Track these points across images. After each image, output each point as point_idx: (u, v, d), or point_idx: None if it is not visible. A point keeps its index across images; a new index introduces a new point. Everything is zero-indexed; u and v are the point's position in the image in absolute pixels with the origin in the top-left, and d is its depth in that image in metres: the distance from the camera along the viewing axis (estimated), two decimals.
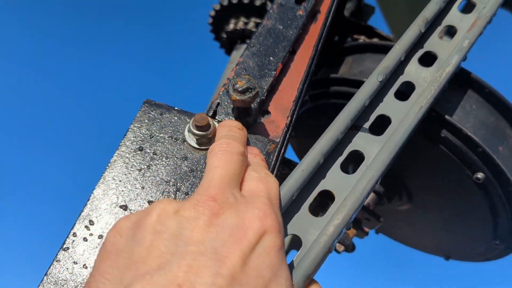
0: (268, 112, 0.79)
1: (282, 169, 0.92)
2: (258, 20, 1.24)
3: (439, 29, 0.83)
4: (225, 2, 1.20)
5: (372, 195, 1.00)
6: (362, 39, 1.08)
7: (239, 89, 0.70)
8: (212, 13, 1.24)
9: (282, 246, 0.47)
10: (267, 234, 0.46)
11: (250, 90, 0.70)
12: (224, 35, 1.24)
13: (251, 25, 1.19)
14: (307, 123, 1.05)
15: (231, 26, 1.21)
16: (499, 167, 0.77)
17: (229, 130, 0.65)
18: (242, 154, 0.57)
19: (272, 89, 0.81)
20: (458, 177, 0.83)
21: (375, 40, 1.07)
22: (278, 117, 0.79)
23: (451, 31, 0.84)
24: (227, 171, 0.53)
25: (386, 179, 0.99)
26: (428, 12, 0.79)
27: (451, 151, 0.80)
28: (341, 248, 0.95)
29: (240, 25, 1.19)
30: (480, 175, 0.79)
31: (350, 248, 0.95)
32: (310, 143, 0.65)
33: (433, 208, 0.99)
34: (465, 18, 0.83)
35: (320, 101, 0.96)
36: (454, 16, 0.84)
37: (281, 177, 0.66)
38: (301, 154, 1.25)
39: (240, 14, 1.19)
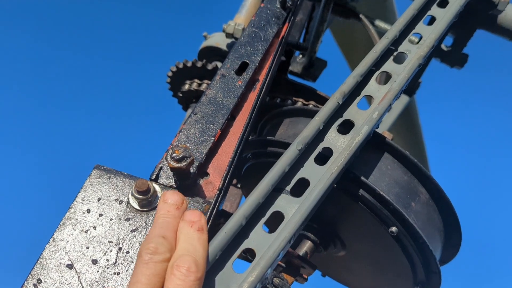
0: (207, 174, 0.90)
1: (219, 221, 1.01)
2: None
3: (358, 99, 0.94)
4: (181, 65, 1.32)
5: (309, 243, 1.10)
6: (300, 101, 1.19)
7: (176, 158, 0.80)
8: (169, 73, 1.35)
9: None
10: None
11: (185, 159, 0.80)
12: (180, 94, 1.35)
13: (203, 87, 1.31)
14: (252, 175, 1.15)
15: (186, 86, 1.32)
16: (408, 222, 0.88)
17: (166, 213, 0.71)
18: (167, 261, 0.64)
19: (211, 153, 0.91)
20: (378, 230, 0.93)
21: (311, 103, 1.19)
22: (216, 178, 0.88)
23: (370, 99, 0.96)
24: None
25: (322, 229, 1.09)
26: (346, 86, 0.92)
27: (368, 208, 0.90)
28: None
29: (194, 86, 1.31)
30: (394, 229, 0.90)
31: None
32: None
33: (364, 256, 1.09)
34: (381, 88, 0.96)
35: (260, 158, 1.07)
36: (372, 87, 0.96)
37: (218, 228, 0.76)
38: None
39: (194, 77, 1.31)
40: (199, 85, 1.31)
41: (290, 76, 1.62)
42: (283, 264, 1.07)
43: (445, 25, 1.07)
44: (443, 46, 1.85)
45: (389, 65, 1.00)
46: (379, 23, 1.95)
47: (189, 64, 1.31)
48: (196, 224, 0.70)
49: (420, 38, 1.07)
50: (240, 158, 0.94)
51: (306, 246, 1.10)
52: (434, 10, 1.12)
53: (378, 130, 0.98)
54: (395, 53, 1.03)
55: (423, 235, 0.90)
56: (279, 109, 1.13)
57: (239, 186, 1.38)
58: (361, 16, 1.54)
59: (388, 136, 1.18)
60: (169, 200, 0.74)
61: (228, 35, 1.31)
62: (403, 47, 1.05)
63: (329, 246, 1.11)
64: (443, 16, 1.10)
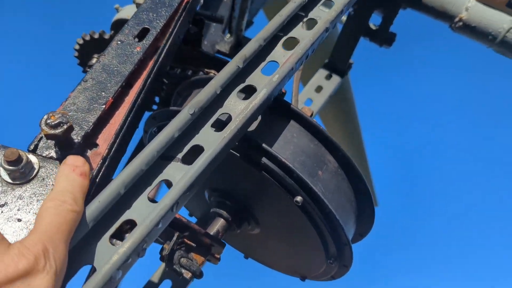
0: (96, 145, 0.82)
1: None
2: None
3: (263, 64, 0.89)
4: (87, 37, 1.23)
5: (221, 221, 1.04)
6: (212, 72, 1.14)
7: (51, 124, 0.72)
8: (76, 46, 1.26)
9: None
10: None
11: (62, 125, 0.72)
12: (88, 69, 1.26)
13: None
14: None
15: (94, 60, 1.24)
16: (313, 191, 0.84)
17: (67, 179, 0.66)
18: (75, 211, 0.61)
19: (101, 122, 0.84)
20: (284, 200, 0.89)
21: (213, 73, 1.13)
22: (104, 149, 0.81)
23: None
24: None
25: (234, 206, 1.04)
26: (247, 49, 0.86)
27: (272, 177, 0.86)
28: (188, 275, 0.98)
29: None
30: (298, 198, 0.85)
31: (197, 274, 0.98)
32: None
33: (277, 231, 1.05)
34: (287, 54, 0.91)
35: None
36: (278, 52, 0.91)
37: None
38: None
39: (103, 50, 1.22)
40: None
41: (218, 56, 1.56)
42: (193, 244, 1.01)
43: None
44: (371, 25, 1.85)
45: (297, 31, 0.96)
46: None
47: (96, 36, 1.22)
48: (79, 169, 0.67)
49: (331, 5, 1.03)
50: (132, 128, 0.87)
51: (218, 224, 1.04)
52: None
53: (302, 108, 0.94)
54: (304, 19, 0.99)
55: (330, 204, 0.86)
56: (188, 80, 1.06)
57: None
58: None
59: (308, 111, 1.14)
60: (68, 160, 0.69)
61: (139, 6, 1.23)
62: (314, 13, 1.00)
63: (242, 223, 1.06)
64: None
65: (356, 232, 1.08)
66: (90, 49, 1.25)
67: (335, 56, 1.98)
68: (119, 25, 1.35)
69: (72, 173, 0.67)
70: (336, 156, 0.91)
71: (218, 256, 1.04)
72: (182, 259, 0.97)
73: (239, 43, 1.71)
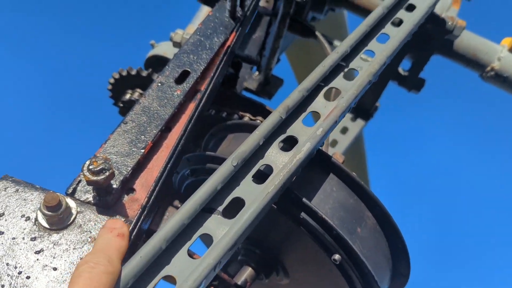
0: (133, 190, 0.80)
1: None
2: None
3: (304, 115, 0.88)
4: (124, 73, 1.23)
5: (249, 270, 1.01)
6: (247, 116, 1.12)
7: (93, 170, 0.70)
8: (111, 80, 1.26)
9: None
10: None
11: (104, 171, 0.71)
12: (121, 104, 1.26)
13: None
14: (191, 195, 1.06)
15: (127, 96, 1.24)
16: (352, 250, 0.81)
17: (103, 240, 0.65)
18: (109, 273, 0.59)
19: (140, 167, 0.82)
20: (321, 257, 0.86)
21: (259, 118, 1.12)
22: (143, 195, 0.79)
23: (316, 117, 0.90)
24: None
25: (264, 255, 1.01)
26: (290, 100, 0.85)
27: (310, 233, 0.83)
28: None
29: (136, 96, 1.22)
30: (337, 256, 0.82)
31: None
32: None
33: (307, 284, 1.02)
34: (328, 105, 0.90)
35: (199, 176, 0.98)
36: (319, 103, 0.90)
37: None
38: None
39: (137, 86, 1.22)
40: (142, 95, 1.22)
41: (245, 93, 1.56)
42: None
43: (398, 43, 1.03)
44: (400, 70, 1.84)
45: (338, 81, 0.95)
46: (337, 43, 1.93)
47: (133, 72, 1.23)
48: (117, 230, 0.66)
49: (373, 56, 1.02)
50: (171, 175, 0.85)
51: (246, 273, 1.01)
52: (388, 28, 1.08)
53: (331, 154, 0.92)
54: (345, 70, 0.98)
55: (368, 264, 0.83)
56: (223, 123, 1.05)
57: (180, 206, 1.28)
58: (317, 33, 1.50)
59: (339, 158, 1.12)
60: (107, 224, 0.68)
61: (176, 44, 1.24)
62: (355, 63, 1.00)
63: (271, 273, 1.02)
64: (396, 34, 1.06)
65: None
66: (125, 84, 1.25)
67: (362, 98, 1.96)
68: (153, 61, 1.36)
69: (109, 234, 0.66)
70: (375, 212, 0.89)
71: None
72: None
73: (267, 81, 1.71)
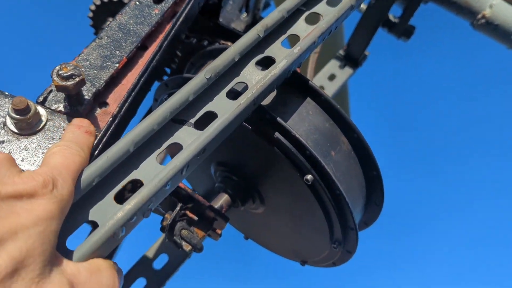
0: (106, 104, 0.79)
1: None
2: None
3: (283, 37, 0.86)
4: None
5: (226, 197, 1.02)
6: (229, 44, 1.11)
7: (62, 75, 0.69)
8: (92, 7, 1.23)
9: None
10: None
11: (74, 77, 0.69)
12: None
13: None
14: None
15: (107, 23, 1.20)
16: (325, 170, 0.82)
17: (73, 133, 0.65)
18: (82, 157, 0.61)
19: (114, 81, 0.81)
20: (294, 178, 0.86)
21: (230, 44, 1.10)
22: (115, 108, 0.78)
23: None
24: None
25: (241, 182, 1.02)
26: (269, 19, 0.83)
27: (284, 153, 0.83)
28: (188, 247, 0.96)
29: None
30: (309, 177, 0.83)
31: (198, 248, 0.96)
32: None
33: (282, 211, 1.03)
34: (309, 28, 0.88)
35: None
36: (300, 26, 0.89)
37: None
38: None
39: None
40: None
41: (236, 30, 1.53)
42: (195, 217, 0.98)
43: None
44: (391, 17, 1.81)
45: (321, 7, 0.93)
46: None
47: None
48: (84, 128, 0.67)
49: None
50: (145, 90, 0.85)
51: (222, 200, 1.02)
52: None
53: None
54: None
55: (340, 186, 0.84)
56: (204, 50, 1.04)
57: None
58: None
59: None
60: (74, 121, 0.68)
61: None
62: None
63: (247, 200, 1.03)
64: None
65: (362, 219, 1.05)
66: (107, 11, 1.22)
67: (350, 45, 1.94)
68: None
69: (78, 130, 0.66)
70: (351, 137, 0.89)
71: (220, 232, 1.02)
72: (183, 230, 0.95)
73: (255, 23, 1.67)
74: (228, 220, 0.95)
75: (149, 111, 1.32)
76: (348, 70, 1.94)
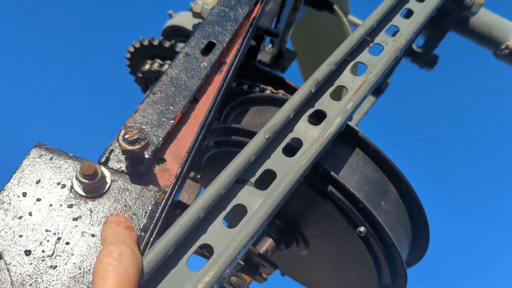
0: (163, 160, 0.81)
1: (175, 212, 0.93)
2: None
3: (331, 89, 0.88)
4: (145, 43, 1.22)
5: (270, 241, 1.03)
6: (269, 89, 1.12)
7: (128, 140, 0.71)
8: (131, 49, 1.25)
9: None
10: None
11: (139, 141, 0.71)
12: (140, 74, 1.25)
13: (166, 67, 1.21)
14: (213, 166, 1.08)
15: (147, 66, 1.23)
16: (377, 222, 0.83)
17: (115, 231, 0.63)
18: (135, 263, 0.57)
19: (170, 137, 0.83)
20: (344, 229, 0.87)
21: (280, 92, 1.12)
22: (173, 165, 0.80)
23: (343, 91, 0.90)
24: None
25: (285, 226, 1.03)
26: (319, 73, 0.85)
27: (337, 206, 0.84)
28: None
29: (155, 66, 1.21)
30: (362, 229, 0.84)
31: None
32: None
33: (327, 256, 1.04)
34: (356, 79, 0.90)
35: (223, 147, 0.99)
36: (346, 77, 0.90)
37: (174, 220, 0.68)
38: None
39: (156, 56, 1.21)
40: (161, 65, 1.22)
41: (274, 72, 1.55)
42: (241, 262, 1.00)
43: (423, 18, 1.03)
44: (414, 46, 1.83)
45: (364, 56, 0.95)
46: (352, 17, 1.91)
47: (155, 43, 1.22)
48: (123, 223, 0.64)
49: (397, 31, 1.02)
50: (200, 146, 0.86)
51: (267, 244, 1.03)
52: (412, 4, 1.08)
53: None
54: (371, 44, 0.98)
55: (392, 236, 0.85)
56: (246, 96, 1.05)
57: (199, 177, 1.29)
58: (335, 7, 1.49)
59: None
60: (109, 219, 0.65)
61: (195, 15, 1.22)
62: (380, 38, 0.99)
63: (291, 244, 1.04)
64: (422, 10, 1.05)
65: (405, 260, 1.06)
66: (145, 54, 1.25)
67: None
68: (171, 31, 1.35)
69: (117, 227, 0.63)
70: (399, 187, 0.90)
71: (266, 276, 1.03)
72: (232, 277, 0.96)
73: (280, 55, 1.70)
74: (277, 267, 0.96)
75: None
76: (370, 98, 1.96)
